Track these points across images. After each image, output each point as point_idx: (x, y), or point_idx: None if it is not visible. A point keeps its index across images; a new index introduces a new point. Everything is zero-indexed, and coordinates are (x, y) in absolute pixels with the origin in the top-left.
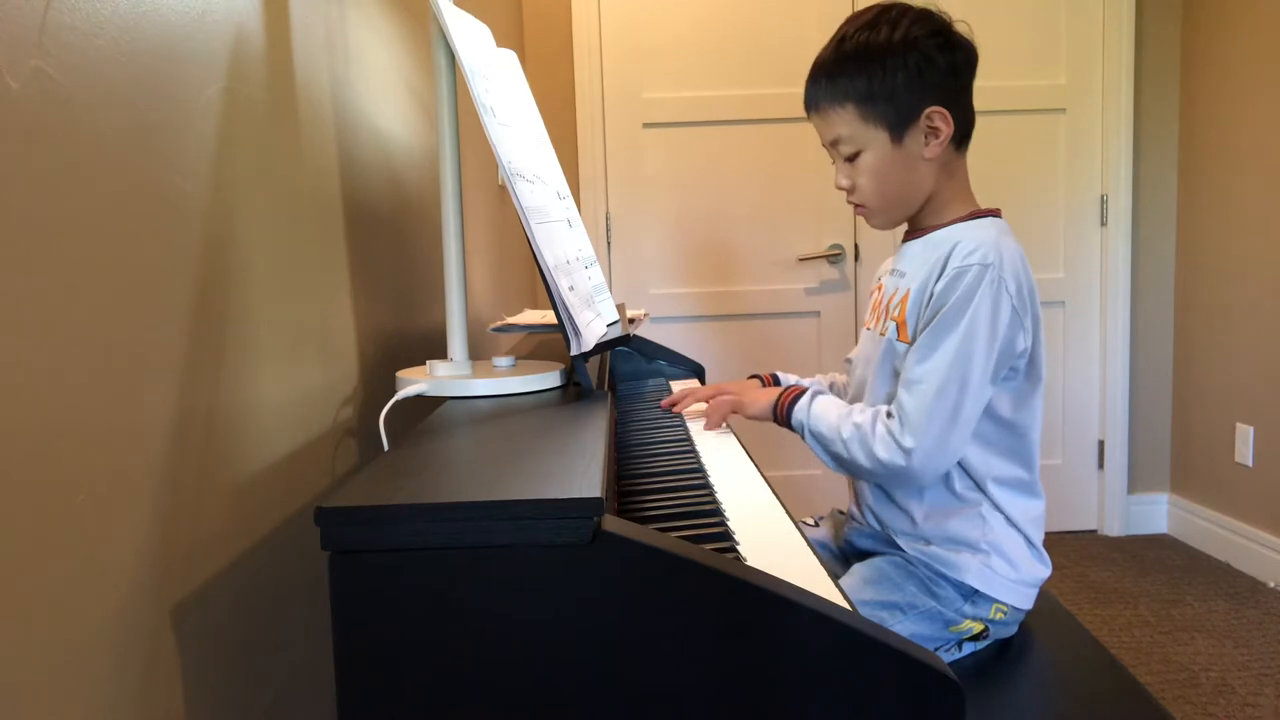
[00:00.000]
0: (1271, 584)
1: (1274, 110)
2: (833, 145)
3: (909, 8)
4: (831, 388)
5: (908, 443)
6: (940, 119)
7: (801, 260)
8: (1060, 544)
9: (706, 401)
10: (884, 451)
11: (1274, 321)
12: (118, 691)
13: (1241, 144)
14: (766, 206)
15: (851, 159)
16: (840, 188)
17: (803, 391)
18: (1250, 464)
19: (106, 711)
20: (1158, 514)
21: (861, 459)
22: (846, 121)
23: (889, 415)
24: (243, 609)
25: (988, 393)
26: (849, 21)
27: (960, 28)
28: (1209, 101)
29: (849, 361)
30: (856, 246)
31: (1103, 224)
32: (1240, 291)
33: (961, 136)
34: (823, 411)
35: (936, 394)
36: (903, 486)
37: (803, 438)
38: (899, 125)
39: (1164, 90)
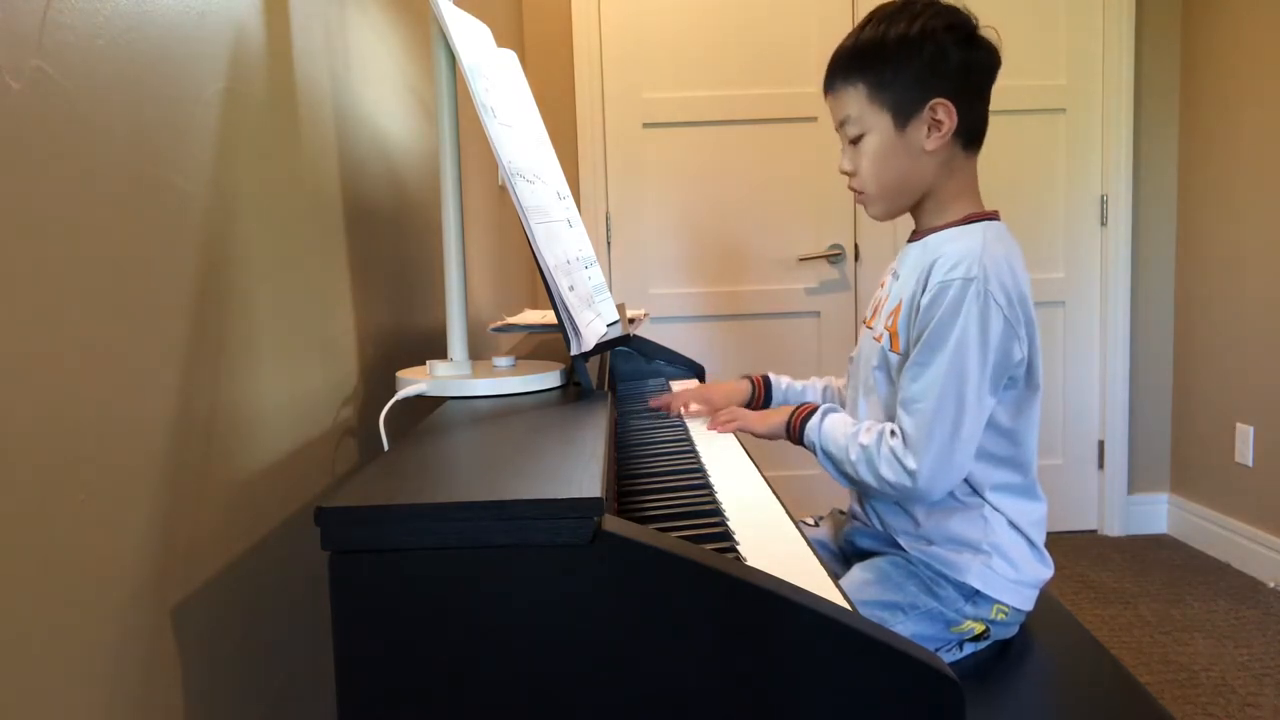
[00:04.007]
0: (1271, 584)
1: (1274, 110)
2: (841, 126)
3: (935, 2)
4: (825, 391)
5: (911, 464)
6: (944, 112)
7: (801, 260)
8: (1060, 544)
9: (700, 404)
10: (889, 472)
11: (1274, 321)
12: (118, 691)
13: (1241, 144)
14: (766, 206)
15: (856, 142)
16: (843, 171)
17: (813, 409)
18: (1250, 464)
19: (106, 711)
20: (1158, 514)
21: (869, 479)
22: (855, 102)
23: (893, 434)
24: (243, 609)
25: (988, 405)
26: (875, 10)
27: (988, 33)
28: (1209, 101)
29: (852, 358)
30: (856, 246)
31: (1103, 224)
32: (1240, 291)
33: (969, 137)
34: (832, 430)
35: (934, 413)
36: (913, 504)
37: (816, 456)
38: (903, 113)
39: (1164, 90)
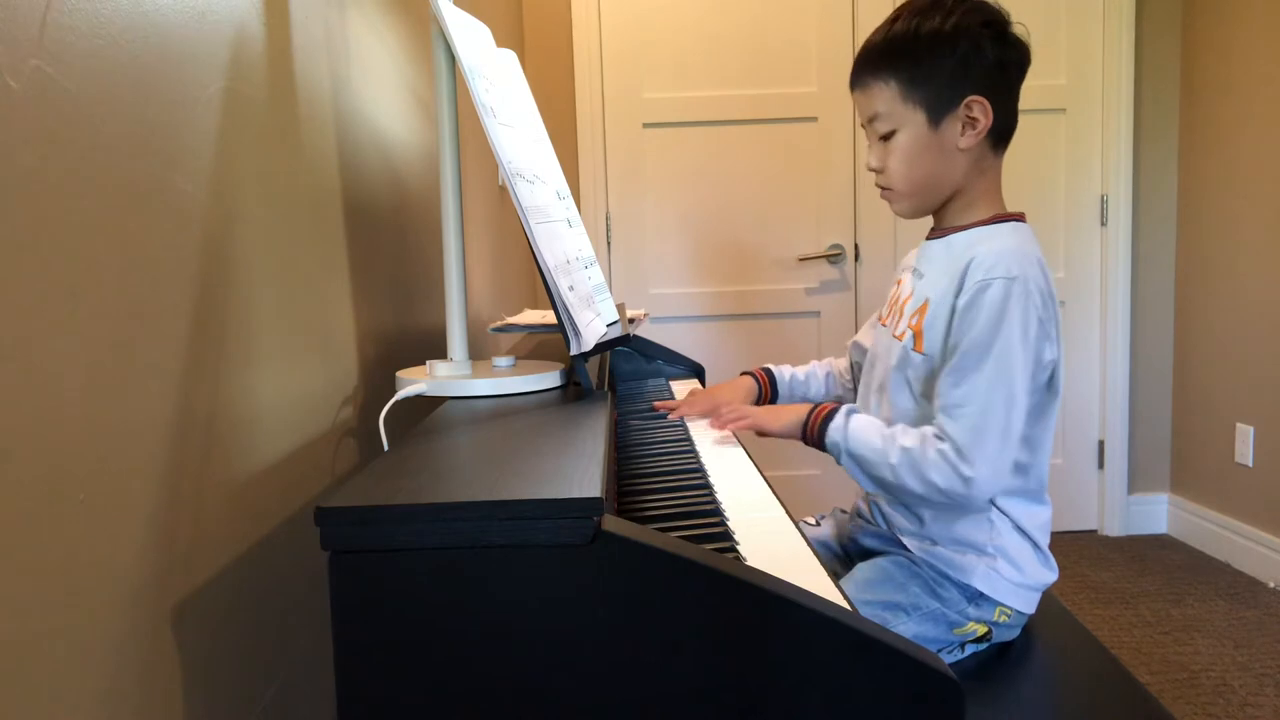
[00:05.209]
0: (1271, 584)
1: (1274, 110)
2: (870, 123)
3: None
4: (828, 378)
5: (967, 471)
6: (980, 109)
7: (801, 260)
8: (1060, 544)
9: (708, 414)
10: (941, 479)
11: (1274, 321)
12: (118, 691)
13: (1241, 144)
14: (766, 206)
15: (886, 138)
16: (871, 168)
17: (833, 409)
18: (1250, 464)
19: (106, 712)
20: (1158, 514)
21: (914, 485)
22: (886, 99)
23: (939, 438)
24: (243, 609)
25: (1026, 406)
26: (905, 5)
27: (1017, 29)
28: (1209, 101)
29: (855, 344)
30: (856, 246)
31: (1103, 224)
32: (1240, 291)
33: (1000, 135)
34: (862, 432)
35: (984, 417)
36: (957, 510)
37: (837, 459)
38: (938, 110)
39: (1164, 90)
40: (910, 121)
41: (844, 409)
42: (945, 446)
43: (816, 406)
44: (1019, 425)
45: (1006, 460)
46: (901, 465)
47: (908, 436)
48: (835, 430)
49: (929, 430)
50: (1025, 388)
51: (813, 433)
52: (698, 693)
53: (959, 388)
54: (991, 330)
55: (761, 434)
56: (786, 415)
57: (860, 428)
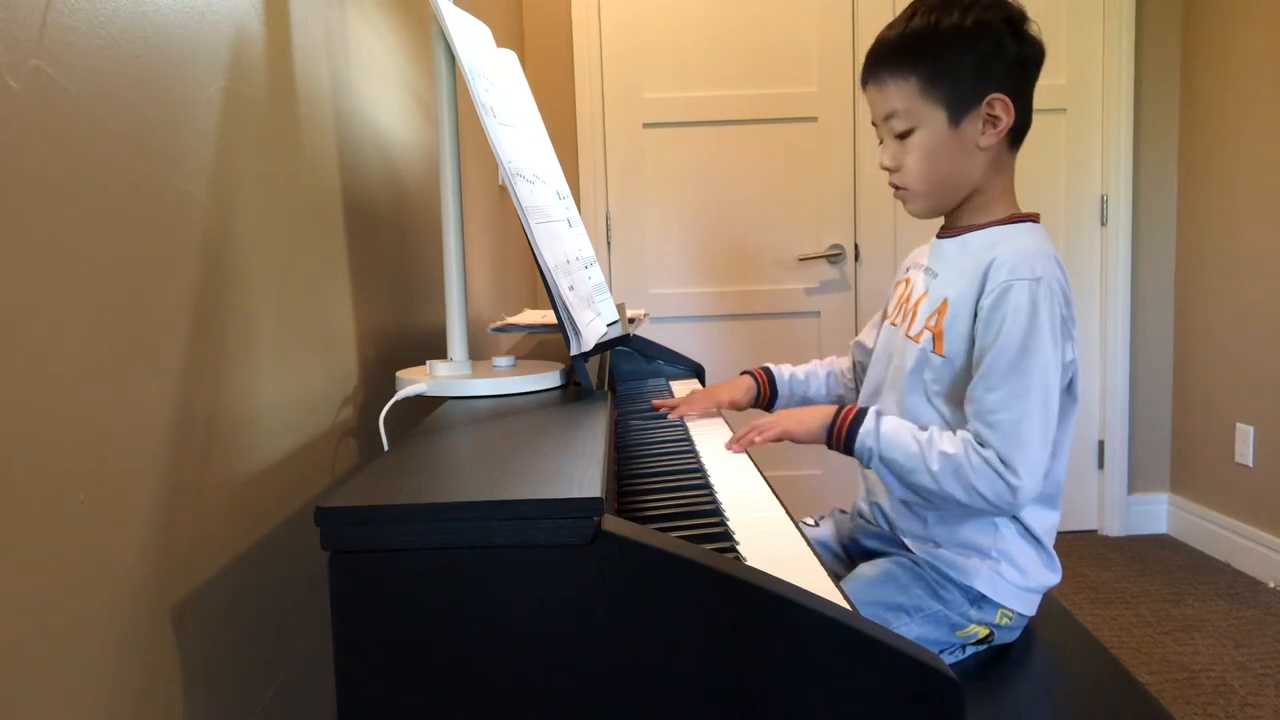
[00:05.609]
0: (1271, 584)
1: (1274, 110)
2: (885, 120)
3: None
4: (829, 378)
5: (1014, 480)
6: (1002, 107)
7: (801, 260)
8: (1060, 544)
9: (708, 413)
10: (988, 489)
11: (1274, 321)
12: (118, 691)
13: (1242, 144)
14: (766, 206)
15: (903, 136)
16: (884, 167)
17: (860, 411)
18: (1250, 464)
19: (106, 712)
20: (1158, 514)
21: (958, 493)
22: (905, 96)
23: (980, 445)
24: (243, 609)
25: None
26: (920, 0)
27: (1031, 28)
28: (1209, 101)
29: (858, 344)
30: (856, 246)
31: (1103, 224)
32: (1240, 291)
33: (1016, 134)
34: (895, 436)
35: (1024, 423)
36: (993, 516)
37: (866, 463)
38: (959, 108)
39: (1164, 90)
40: (930, 119)
41: (872, 411)
42: (989, 454)
43: (841, 409)
44: (1054, 428)
45: (1045, 464)
46: (944, 473)
47: (945, 441)
48: (866, 434)
49: (967, 435)
50: (1058, 388)
51: (840, 436)
52: (698, 693)
53: (994, 393)
54: (1023, 333)
55: (775, 441)
56: (810, 419)
57: (893, 430)
